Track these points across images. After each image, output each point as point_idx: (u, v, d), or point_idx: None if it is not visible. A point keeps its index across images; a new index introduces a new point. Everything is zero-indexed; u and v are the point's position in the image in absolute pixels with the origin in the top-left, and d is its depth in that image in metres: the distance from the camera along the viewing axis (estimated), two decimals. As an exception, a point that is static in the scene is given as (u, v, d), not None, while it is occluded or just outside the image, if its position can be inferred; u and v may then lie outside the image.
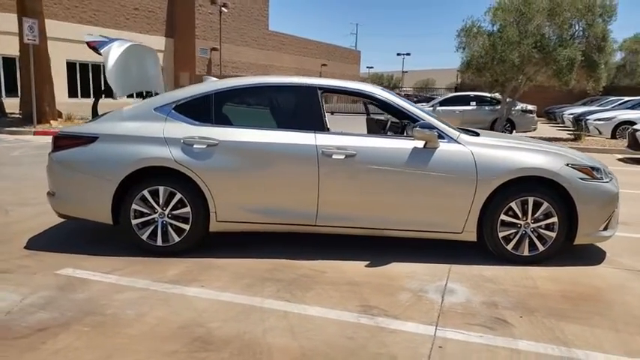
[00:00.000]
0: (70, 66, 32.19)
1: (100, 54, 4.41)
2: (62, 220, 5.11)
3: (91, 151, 4.13)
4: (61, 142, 4.23)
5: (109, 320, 3.04)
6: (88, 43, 4.44)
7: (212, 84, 4.36)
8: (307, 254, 4.26)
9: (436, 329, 3.01)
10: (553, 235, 4.10)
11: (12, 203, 5.89)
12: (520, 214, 4.09)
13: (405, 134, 4.95)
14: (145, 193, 4.10)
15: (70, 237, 4.70)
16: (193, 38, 41.92)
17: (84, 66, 33.70)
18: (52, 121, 15.26)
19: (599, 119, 15.35)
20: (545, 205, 4.05)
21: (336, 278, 3.79)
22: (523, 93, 15.76)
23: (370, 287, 3.63)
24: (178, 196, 4.09)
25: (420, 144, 4.07)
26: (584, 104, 24.24)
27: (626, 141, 13.34)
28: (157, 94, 5.20)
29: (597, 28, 13.06)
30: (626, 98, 19.87)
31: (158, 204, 4.12)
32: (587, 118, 15.93)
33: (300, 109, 4.27)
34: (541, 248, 4.13)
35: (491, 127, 15.65)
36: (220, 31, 40.24)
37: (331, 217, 4.15)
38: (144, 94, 5.42)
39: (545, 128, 21.86)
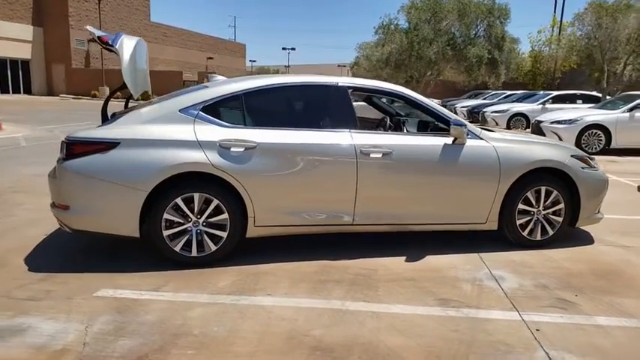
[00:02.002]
0: None
1: (114, 50, 3.94)
2: (44, 235, 4.60)
3: (114, 158, 3.73)
4: (76, 148, 3.75)
5: (206, 340, 2.83)
6: (100, 38, 3.93)
7: (239, 84, 4.15)
8: (342, 254, 4.25)
9: (520, 314, 3.24)
10: (560, 219, 4.56)
11: (-39, 220, 5.07)
12: (534, 203, 4.48)
13: (407, 131, 5.15)
14: (179, 201, 3.80)
15: (71, 253, 4.20)
16: (67, 28, 38.44)
17: None
18: None
19: (496, 111, 16.98)
20: (555, 193, 4.49)
21: (389, 275, 3.86)
22: (412, 88, 16.82)
23: (428, 281, 3.76)
24: (215, 202, 3.85)
25: (450, 140, 4.28)
26: (469, 97, 26.50)
27: (526, 131, 14.94)
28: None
29: (497, 29, 14.44)
30: (508, 92, 22.16)
31: (192, 212, 3.85)
32: (484, 110, 17.54)
33: (332, 108, 4.24)
34: (550, 232, 4.57)
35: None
36: (100, 20, 37.25)
37: (367, 216, 4.20)
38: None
39: (439, 120, 23.56)
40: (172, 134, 3.83)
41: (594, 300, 3.48)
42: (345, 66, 73.77)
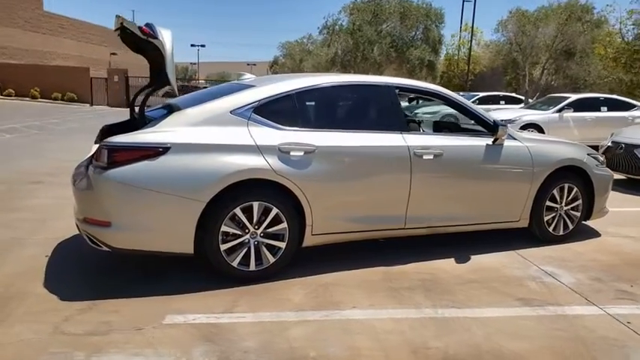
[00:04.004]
0: None
1: (155, 43, 3.45)
2: (45, 256, 4.03)
3: (164, 165, 3.31)
4: (119, 155, 3.27)
5: (332, 363, 2.59)
6: (141, 29, 3.42)
7: (288, 82, 3.86)
8: (390, 259, 4.12)
9: (601, 308, 3.34)
10: (578, 214, 4.81)
11: None
12: (558, 199, 4.68)
13: (423, 131, 5.17)
14: (237, 211, 3.47)
15: (94, 275, 3.67)
16: (-60, 15, 33.94)
17: None
18: None
19: (427, 113, 17.67)
20: (575, 189, 4.72)
21: (454, 278, 3.81)
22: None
23: (493, 281, 3.77)
24: (274, 211, 3.57)
25: (490, 141, 4.33)
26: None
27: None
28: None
29: (434, 33, 15.05)
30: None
31: (251, 222, 3.53)
32: (416, 112, 18.18)
33: (384, 108, 4.11)
34: (571, 227, 4.80)
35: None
36: (-16, 8, 33.39)
37: (417, 219, 4.12)
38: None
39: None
40: (228, 138, 3.48)
41: (651, 289, 3.69)
42: (255, 64, 73.12)
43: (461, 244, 4.56)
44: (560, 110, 12.34)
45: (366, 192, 3.89)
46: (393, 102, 4.10)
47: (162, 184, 3.29)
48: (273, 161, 3.52)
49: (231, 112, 3.60)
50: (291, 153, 3.59)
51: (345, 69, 15.03)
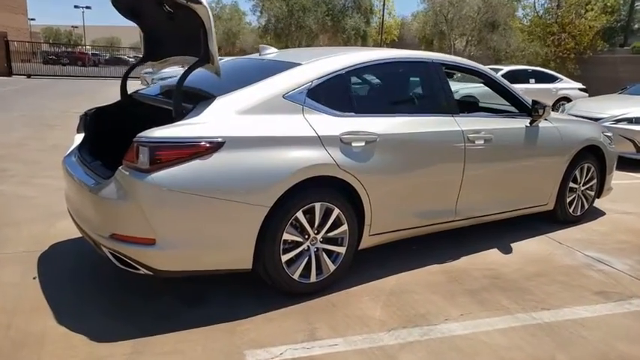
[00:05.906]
0: None
1: (201, 11, 2.66)
2: (33, 278, 3.21)
3: (219, 164, 2.64)
4: (168, 153, 2.54)
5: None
6: None
7: (336, 58, 3.28)
8: (438, 254, 3.81)
9: (677, 297, 3.29)
10: (592, 193, 4.81)
11: None
12: (578, 179, 4.62)
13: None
14: (299, 214, 2.91)
15: (111, 302, 2.94)
16: None
17: None
18: None
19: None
20: (592, 169, 4.69)
21: (518, 273, 3.57)
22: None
23: (557, 274, 3.58)
24: (336, 212, 3.05)
25: (528, 122, 4.10)
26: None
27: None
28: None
29: (365, 2, 14.66)
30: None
31: (312, 226, 3.00)
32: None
33: (437, 89, 3.67)
34: (586, 207, 4.80)
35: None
36: None
37: (465, 210, 3.80)
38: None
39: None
40: (288, 129, 2.88)
41: (700, 271, 3.73)
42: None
43: (489, 231, 4.32)
44: (494, 82, 12.66)
45: (424, 183, 3.48)
46: (444, 81, 3.70)
47: (217, 188, 2.63)
48: (336, 154, 2.99)
49: (284, 96, 2.98)
50: (353, 144, 3.07)
51: (279, 38, 14.19)
